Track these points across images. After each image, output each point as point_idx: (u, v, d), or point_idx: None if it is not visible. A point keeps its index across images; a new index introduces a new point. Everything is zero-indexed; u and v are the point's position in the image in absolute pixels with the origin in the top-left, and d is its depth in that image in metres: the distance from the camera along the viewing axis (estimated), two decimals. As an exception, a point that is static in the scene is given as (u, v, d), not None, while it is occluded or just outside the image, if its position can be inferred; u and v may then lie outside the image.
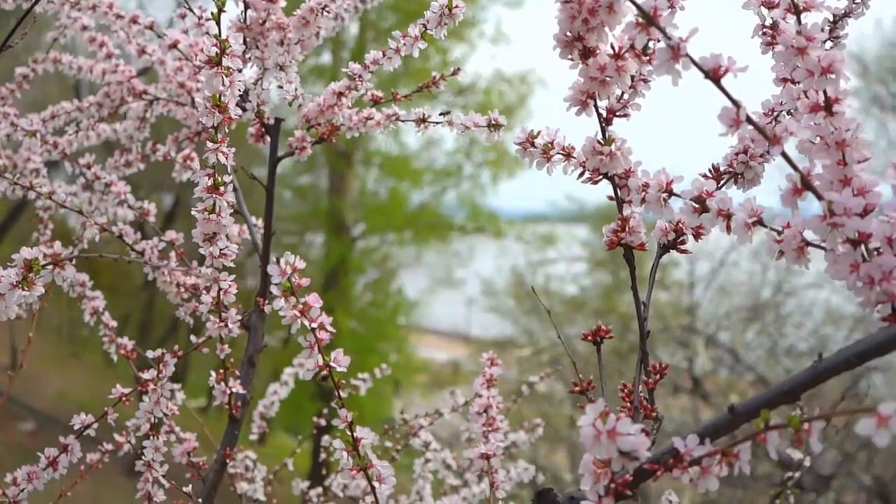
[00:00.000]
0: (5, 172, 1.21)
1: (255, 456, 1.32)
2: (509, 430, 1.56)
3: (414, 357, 11.36)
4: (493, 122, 0.83)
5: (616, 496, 0.55)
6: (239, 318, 0.91)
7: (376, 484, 0.64)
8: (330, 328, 0.63)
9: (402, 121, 0.98)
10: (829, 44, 0.72)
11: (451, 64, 11.76)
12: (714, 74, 0.51)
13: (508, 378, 7.48)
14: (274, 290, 0.61)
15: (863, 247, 0.53)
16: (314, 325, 0.62)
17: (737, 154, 0.68)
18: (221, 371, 0.97)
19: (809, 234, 0.55)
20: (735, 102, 0.51)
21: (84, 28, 1.19)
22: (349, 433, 0.65)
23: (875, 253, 0.52)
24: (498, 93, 10.30)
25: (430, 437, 1.33)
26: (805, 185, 0.52)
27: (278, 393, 1.44)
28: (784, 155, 0.52)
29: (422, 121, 0.96)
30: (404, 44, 0.91)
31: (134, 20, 1.10)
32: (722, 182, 0.69)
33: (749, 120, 0.51)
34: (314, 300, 0.63)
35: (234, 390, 0.97)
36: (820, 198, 0.51)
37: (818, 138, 0.54)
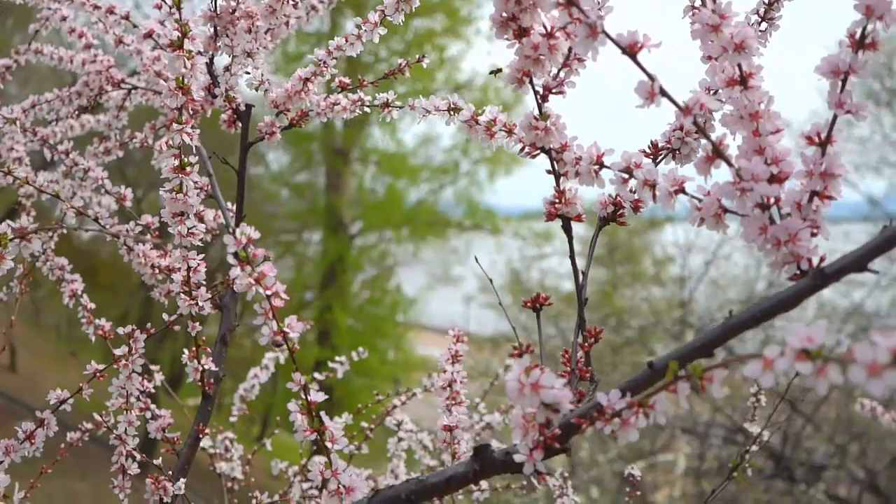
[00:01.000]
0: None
1: (233, 436, 1.36)
2: (486, 412, 1.60)
3: (412, 354, 11.39)
4: (452, 106, 0.86)
5: (546, 450, 0.59)
6: (209, 296, 0.94)
7: (329, 444, 0.68)
8: (284, 296, 0.67)
9: (368, 106, 1.01)
10: (763, 24, 0.76)
11: (448, 61, 11.79)
12: (631, 50, 0.54)
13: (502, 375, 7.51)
14: (230, 259, 0.65)
15: (776, 211, 0.56)
16: (269, 292, 0.66)
17: (674, 130, 0.72)
18: (194, 349, 1.00)
19: (727, 202, 0.59)
20: (650, 76, 0.54)
21: (63, 19, 1.23)
22: (304, 396, 0.69)
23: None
24: (494, 90, 10.34)
25: (404, 416, 1.37)
26: (717, 153, 0.55)
27: (258, 377, 1.48)
28: (697, 125, 0.55)
29: (385, 105, 1.00)
30: (365, 30, 0.94)
31: (110, 10, 1.13)
32: (660, 157, 0.72)
33: (663, 92, 0.54)
34: (269, 269, 0.66)
35: (206, 367, 1.01)
36: (730, 165, 0.55)
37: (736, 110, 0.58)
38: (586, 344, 0.68)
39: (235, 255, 0.65)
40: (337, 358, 1.39)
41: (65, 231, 0.96)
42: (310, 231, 12.20)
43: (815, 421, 6.18)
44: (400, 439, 1.31)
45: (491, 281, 1.03)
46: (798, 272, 0.54)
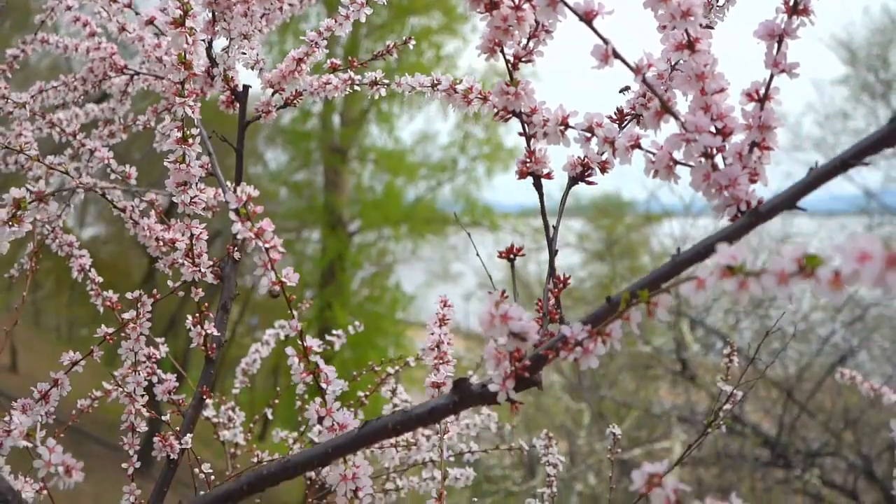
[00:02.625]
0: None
1: (234, 404, 1.43)
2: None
3: (412, 351, 11.44)
4: (434, 81, 0.93)
5: (518, 380, 0.65)
6: (210, 262, 1.01)
7: (324, 385, 0.74)
8: (281, 249, 0.73)
9: (358, 84, 1.08)
10: (721, 0, 0.82)
11: (445, 59, 11.85)
12: (587, 17, 0.61)
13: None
14: (232, 215, 0.71)
15: (720, 161, 0.63)
16: (267, 245, 0.72)
17: (638, 97, 0.78)
18: (197, 315, 1.07)
19: (677, 155, 0.65)
20: (604, 40, 0.61)
21: (69, 8, 1.29)
22: (300, 342, 0.75)
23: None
24: (492, 86, 10.39)
25: (399, 385, 1.43)
26: (665, 108, 0.62)
27: (259, 352, 1.54)
28: (646, 83, 0.61)
29: (374, 83, 1.06)
30: (352, 10, 1.01)
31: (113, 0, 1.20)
32: (626, 122, 0.79)
33: (616, 54, 0.60)
34: (267, 224, 0.72)
35: (209, 332, 1.07)
36: (677, 118, 0.61)
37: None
38: (556, 290, 0.74)
39: (237, 210, 0.71)
40: (334, 331, 1.46)
41: (78, 196, 1.02)
42: (309, 229, 12.25)
43: (809, 409, 6.26)
44: (395, 406, 1.38)
45: (490, 277, 1.09)
46: (738, 213, 0.60)
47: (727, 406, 1.19)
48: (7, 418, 0.74)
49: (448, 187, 12.37)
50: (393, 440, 1.18)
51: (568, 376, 7.76)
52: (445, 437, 1.23)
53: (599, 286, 10.01)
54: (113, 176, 1.20)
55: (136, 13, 1.18)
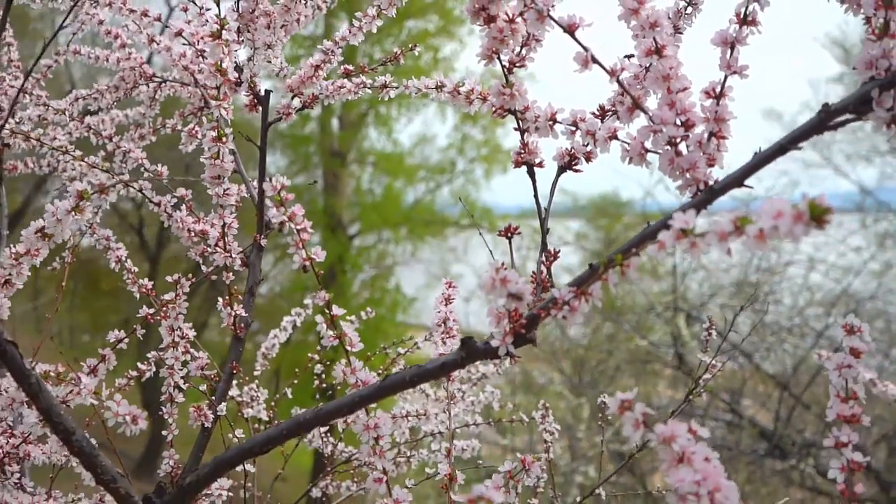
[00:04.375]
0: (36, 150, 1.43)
1: (256, 385, 1.54)
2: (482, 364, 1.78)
3: (413, 353, 11.54)
4: (439, 84, 1.04)
5: (516, 336, 0.77)
6: (241, 249, 1.13)
7: (349, 347, 0.86)
8: (310, 230, 0.85)
9: (369, 88, 1.19)
10: (689, 8, 0.94)
11: (442, 62, 11.97)
12: (570, 29, 0.73)
13: (510, 372, 7.71)
14: (268, 201, 0.83)
15: (684, 148, 0.75)
16: (299, 227, 0.84)
17: (616, 96, 0.90)
18: (227, 297, 1.18)
19: (648, 144, 0.77)
20: (584, 48, 0.73)
21: (101, 22, 1.41)
22: (328, 311, 0.87)
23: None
24: (489, 87, 10.51)
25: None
26: (636, 105, 0.74)
27: (278, 337, 1.66)
28: (619, 83, 0.73)
29: (384, 86, 1.18)
30: (364, 22, 1.12)
31: (144, 14, 1.31)
32: (607, 117, 0.90)
33: (594, 60, 0.72)
34: (298, 209, 0.84)
35: (238, 313, 1.19)
36: (646, 113, 0.73)
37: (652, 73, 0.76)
38: (547, 262, 0.86)
39: (271, 197, 0.83)
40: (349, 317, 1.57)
41: (127, 187, 1.14)
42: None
43: (804, 401, 6.37)
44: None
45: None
46: (697, 191, 0.72)
47: (706, 376, 1.30)
48: (76, 379, 0.86)
49: (447, 189, 12.49)
50: (405, 412, 1.29)
51: (569, 374, 7.88)
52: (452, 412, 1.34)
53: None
54: (146, 175, 1.31)
55: (166, 26, 1.30)
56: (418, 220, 12.29)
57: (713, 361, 1.35)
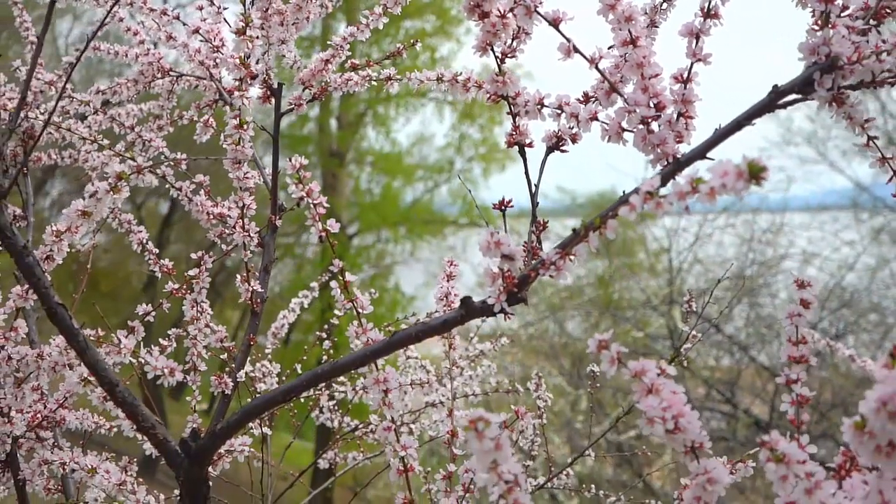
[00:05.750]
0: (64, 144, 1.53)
1: (269, 361, 1.64)
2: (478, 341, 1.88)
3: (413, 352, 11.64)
4: (439, 76, 1.15)
5: (509, 295, 0.87)
6: (258, 229, 1.23)
7: (360, 309, 0.96)
8: (326, 205, 0.95)
9: (374, 80, 1.30)
10: (665, 4, 1.04)
11: (440, 61, 12.06)
12: (554, 22, 0.83)
13: (509, 369, 7.82)
14: (288, 179, 0.93)
15: (656, 126, 0.85)
16: (315, 202, 0.94)
17: (597, 83, 1.00)
18: (245, 274, 1.28)
19: (624, 124, 0.87)
20: (567, 39, 0.83)
21: (121, 20, 1.50)
22: (342, 277, 0.97)
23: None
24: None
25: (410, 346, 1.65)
26: (612, 89, 0.84)
27: (287, 318, 1.76)
28: (598, 70, 0.83)
29: (388, 79, 1.28)
30: (371, 19, 1.23)
31: (164, 12, 1.41)
32: (590, 102, 1.00)
33: (575, 49, 0.82)
34: (315, 186, 0.94)
35: (254, 289, 1.29)
36: (621, 95, 0.83)
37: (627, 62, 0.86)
38: (537, 231, 0.96)
39: (291, 175, 0.93)
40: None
41: (151, 173, 1.24)
42: (308, 233, 12.45)
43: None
44: (407, 357, 1.59)
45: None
46: (666, 163, 0.82)
47: (687, 345, 1.41)
48: (116, 341, 0.96)
49: (445, 188, 12.59)
50: (409, 380, 1.40)
51: (567, 369, 7.99)
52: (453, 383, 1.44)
53: (599, 284, 10.23)
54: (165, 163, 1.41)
55: (184, 24, 1.40)
56: (417, 220, 12.38)
57: (693, 332, 1.45)
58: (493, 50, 0.92)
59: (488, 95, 0.95)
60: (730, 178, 0.60)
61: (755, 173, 0.60)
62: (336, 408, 1.70)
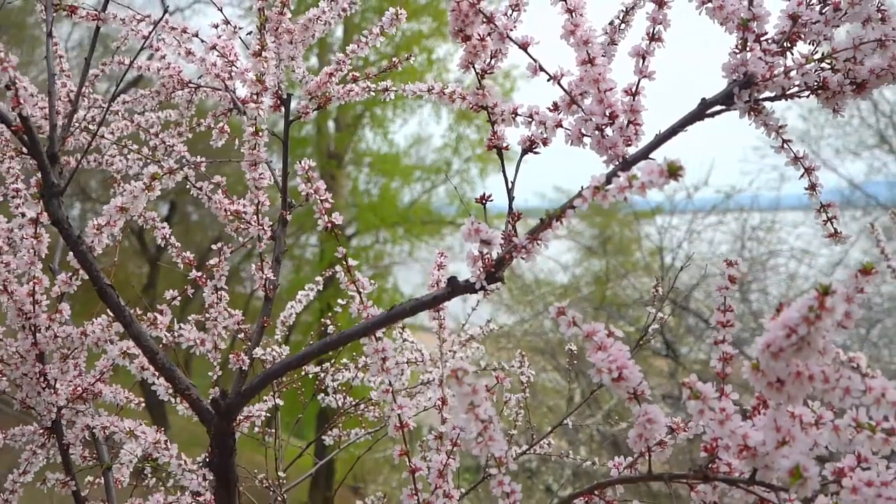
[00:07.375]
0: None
1: (277, 345, 1.81)
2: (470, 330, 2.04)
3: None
4: (430, 87, 1.31)
5: (488, 275, 1.03)
6: (270, 223, 1.39)
7: (361, 290, 1.13)
8: (330, 200, 1.11)
9: (374, 91, 1.46)
10: (622, 25, 1.20)
11: (436, 63, 12.21)
12: (523, 46, 0.99)
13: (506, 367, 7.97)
14: (298, 178, 1.09)
15: (609, 132, 1.01)
16: (322, 198, 1.10)
17: (562, 96, 1.16)
18: (259, 263, 1.45)
19: (584, 130, 1.03)
20: (534, 60, 0.99)
21: (145, 38, 1.67)
22: (345, 262, 1.13)
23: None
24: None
25: (406, 330, 1.81)
26: (572, 101, 1.00)
27: (294, 307, 1.93)
28: (560, 85, 1.00)
29: (386, 90, 1.44)
30: (370, 38, 1.39)
31: (184, 31, 1.58)
32: (559, 111, 1.17)
33: (541, 68, 0.99)
34: (321, 184, 1.11)
35: (268, 277, 1.45)
36: (580, 107, 1.00)
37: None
38: (513, 220, 1.12)
39: (301, 175, 1.09)
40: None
41: (185, 172, 1.40)
42: (307, 234, 12.61)
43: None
44: (405, 340, 1.75)
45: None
46: (617, 163, 0.99)
47: (654, 326, 1.57)
48: (151, 317, 1.12)
49: (443, 189, 12.74)
50: (406, 358, 1.56)
51: (564, 366, 8.15)
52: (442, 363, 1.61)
53: (595, 283, 10.39)
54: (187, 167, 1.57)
55: (203, 41, 1.57)
56: (415, 220, 12.52)
57: (661, 313, 1.61)
58: (474, 67, 1.09)
59: (470, 105, 1.12)
60: (654, 175, 0.77)
61: (674, 171, 0.76)
62: (339, 388, 1.86)
